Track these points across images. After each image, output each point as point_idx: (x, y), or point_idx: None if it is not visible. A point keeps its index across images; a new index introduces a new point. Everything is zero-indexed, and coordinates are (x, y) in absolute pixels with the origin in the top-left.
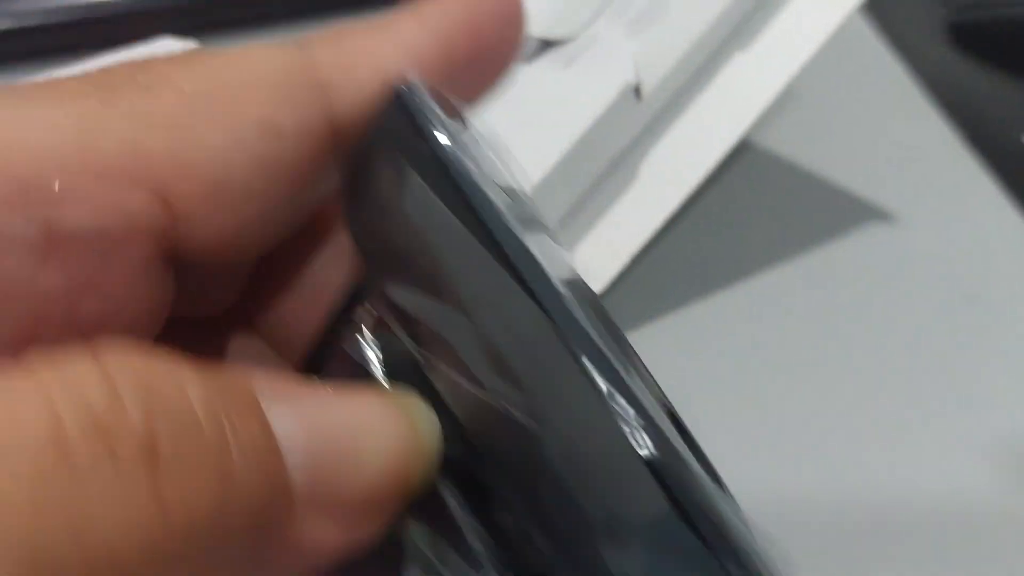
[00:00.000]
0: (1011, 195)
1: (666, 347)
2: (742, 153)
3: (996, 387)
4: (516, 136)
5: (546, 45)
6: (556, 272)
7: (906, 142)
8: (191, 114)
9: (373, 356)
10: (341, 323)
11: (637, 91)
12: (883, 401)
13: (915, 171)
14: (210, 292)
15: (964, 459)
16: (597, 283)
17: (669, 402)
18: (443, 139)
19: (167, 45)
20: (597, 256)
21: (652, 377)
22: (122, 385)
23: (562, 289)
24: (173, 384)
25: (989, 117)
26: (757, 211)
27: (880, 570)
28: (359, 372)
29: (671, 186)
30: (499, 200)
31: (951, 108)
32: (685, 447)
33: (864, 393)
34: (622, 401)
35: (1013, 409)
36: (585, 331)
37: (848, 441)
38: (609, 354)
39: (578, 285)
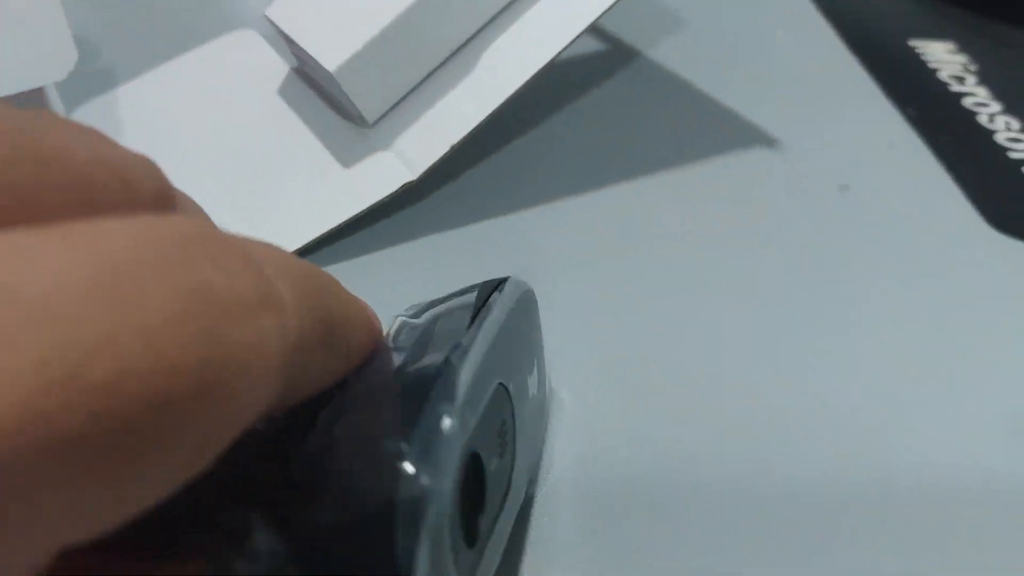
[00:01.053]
0: (895, 100)
1: (530, 241)
2: (623, 64)
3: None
4: (331, 14)
5: None
6: None
7: (793, 52)
8: None
9: None
10: None
11: None
12: (761, 292)
13: (802, 80)
14: None
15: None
16: (415, 168)
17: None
18: None
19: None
20: (420, 142)
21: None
22: None
23: None
24: None
25: (876, 22)
26: (634, 119)
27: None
28: None
29: (506, 76)
30: None
31: (837, 15)
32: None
33: (740, 288)
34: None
35: (886, 292)
36: None
37: (724, 349)
38: None
39: None
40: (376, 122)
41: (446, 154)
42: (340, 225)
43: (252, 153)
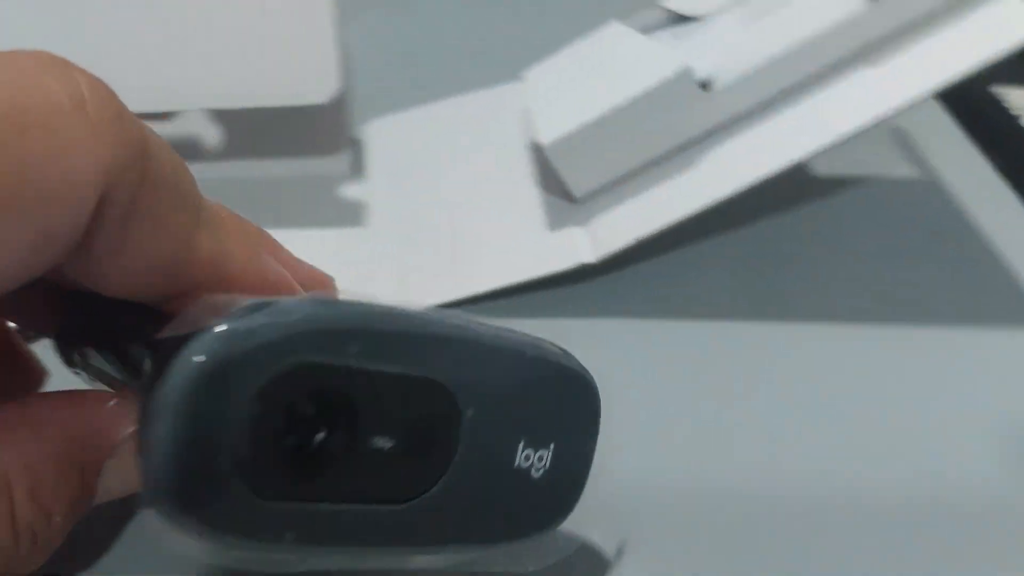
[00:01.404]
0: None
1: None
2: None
3: None
4: (569, 89)
5: (677, 19)
6: None
7: None
8: None
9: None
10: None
11: (705, 85)
12: None
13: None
14: None
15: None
16: (599, 250)
17: None
18: None
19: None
20: (614, 226)
21: None
22: None
23: None
24: None
25: None
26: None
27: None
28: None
29: (721, 181)
30: None
31: None
32: None
33: None
34: None
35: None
36: None
37: None
38: None
39: None
40: (583, 199)
41: (631, 245)
42: (513, 285)
43: (474, 194)
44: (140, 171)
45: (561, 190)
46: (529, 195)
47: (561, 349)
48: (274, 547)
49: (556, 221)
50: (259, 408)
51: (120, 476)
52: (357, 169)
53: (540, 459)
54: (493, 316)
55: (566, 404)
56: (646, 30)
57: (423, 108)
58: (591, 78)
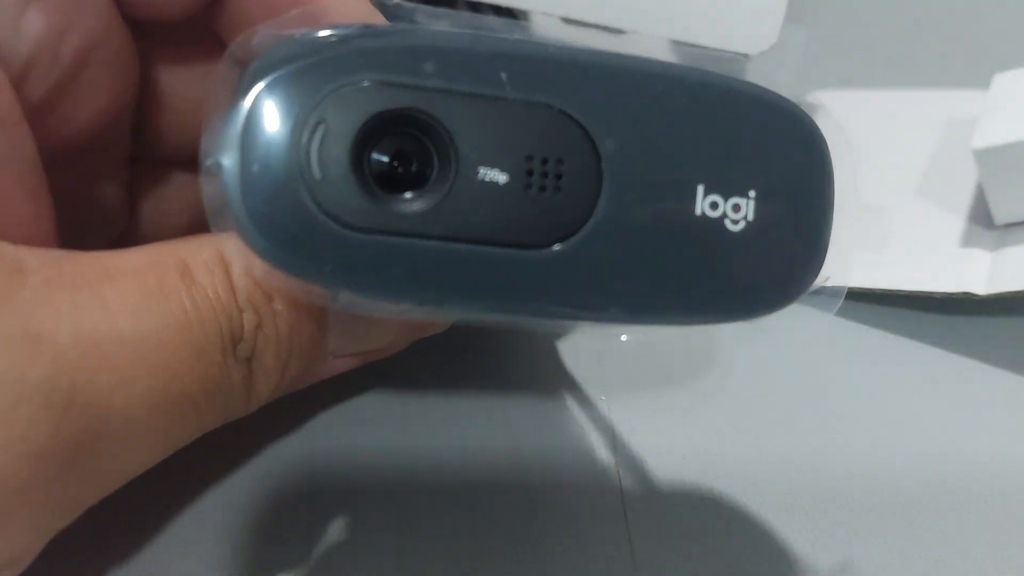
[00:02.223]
0: None
1: None
2: None
3: None
4: None
5: None
6: None
7: None
8: None
9: None
10: None
11: None
12: None
13: None
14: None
15: None
16: (995, 284)
17: None
18: None
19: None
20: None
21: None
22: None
23: None
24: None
25: None
26: None
27: None
28: None
29: None
30: None
31: None
32: None
33: None
34: None
35: None
36: None
37: None
38: None
39: None
40: (1005, 226)
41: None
42: (888, 290)
43: (899, 184)
44: None
45: (984, 212)
46: (950, 207)
47: (761, 87)
48: (383, 284)
49: (966, 239)
50: (347, 130)
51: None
52: None
53: (736, 209)
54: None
55: (770, 146)
56: None
57: (864, 92)
58: None
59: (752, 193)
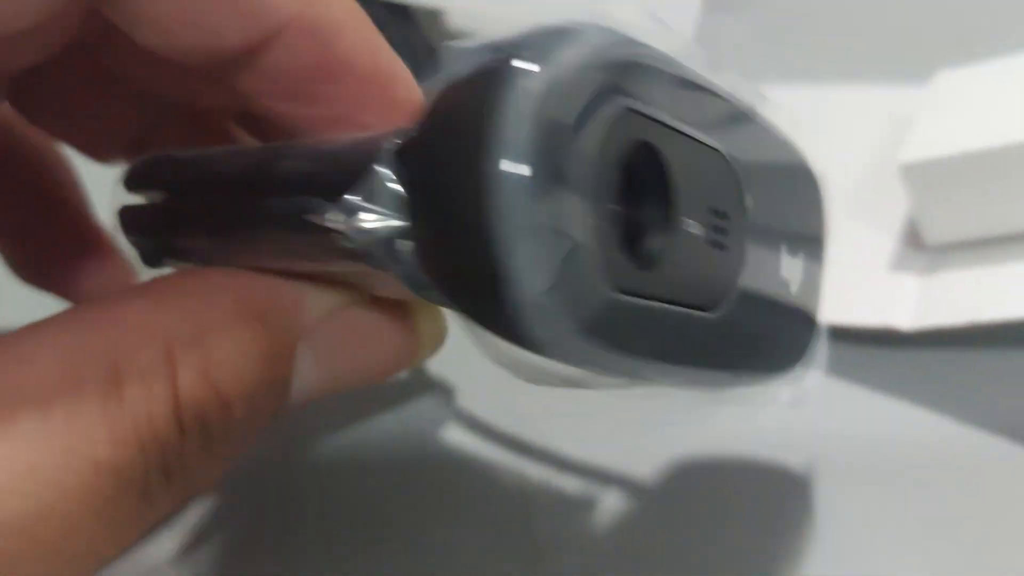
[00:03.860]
0: None
1: None
2: None
3: None
4: (975, 106)
5: None
6: None
7: None
8: None
9: None
10: None
11: None
12: None
13: None
14: None
15: None
16: (921, 319)
17: None
18: None
19: None
20: (950, 291)
21: None
22: None
23: None
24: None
25: None
26: None
27: None
28: None
29: None
30: None
31: None
32: None
33: None
34: None
35: None
36: None
37: None
38: None
39: None
40: (936, 248)
41: (962, 327)
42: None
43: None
44: None
45: (912, 230)
46: (879, 223)
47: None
48: (628, 356)
49: (895, 262)
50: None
51: (321, 364)
52: None
53: (794, 270)
54: None
55: (810, 209)
56: None
57: (797, 87)
58: (1012, 100)
59: (801, 254)
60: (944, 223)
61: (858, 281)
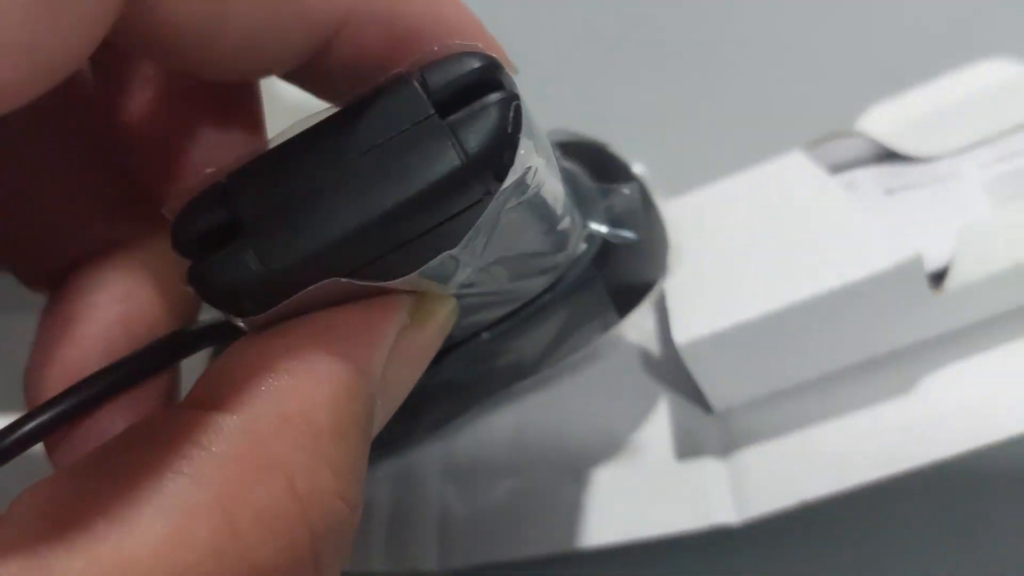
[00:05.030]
0: None
1: None
2: None
3: None
4: (723, 255)
5: (886, 156)
6: None
7: None
8: None
9: None
10: None
11: (938, 277)
12: None
13: None
14: None
15: None
16: (745, 510)
17: None
18: None
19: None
20: (771, 474)
21: None
22: None
23: None
24: None
25: None
26: None
27: None
28: None
29: (934, 431)
30: None
31: None
32: None
33: None
34: None
35: None
36: None
37: None
38: None
39: None
40: (725, 413)
41: (794, 507)
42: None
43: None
44: None
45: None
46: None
47: None
48: None
49: (688, 443)
50: None
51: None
52: None
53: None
54: None
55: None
56: (840, 167)
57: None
58: (758, 243)
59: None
60: (725, 389)
61: (658, 478)
